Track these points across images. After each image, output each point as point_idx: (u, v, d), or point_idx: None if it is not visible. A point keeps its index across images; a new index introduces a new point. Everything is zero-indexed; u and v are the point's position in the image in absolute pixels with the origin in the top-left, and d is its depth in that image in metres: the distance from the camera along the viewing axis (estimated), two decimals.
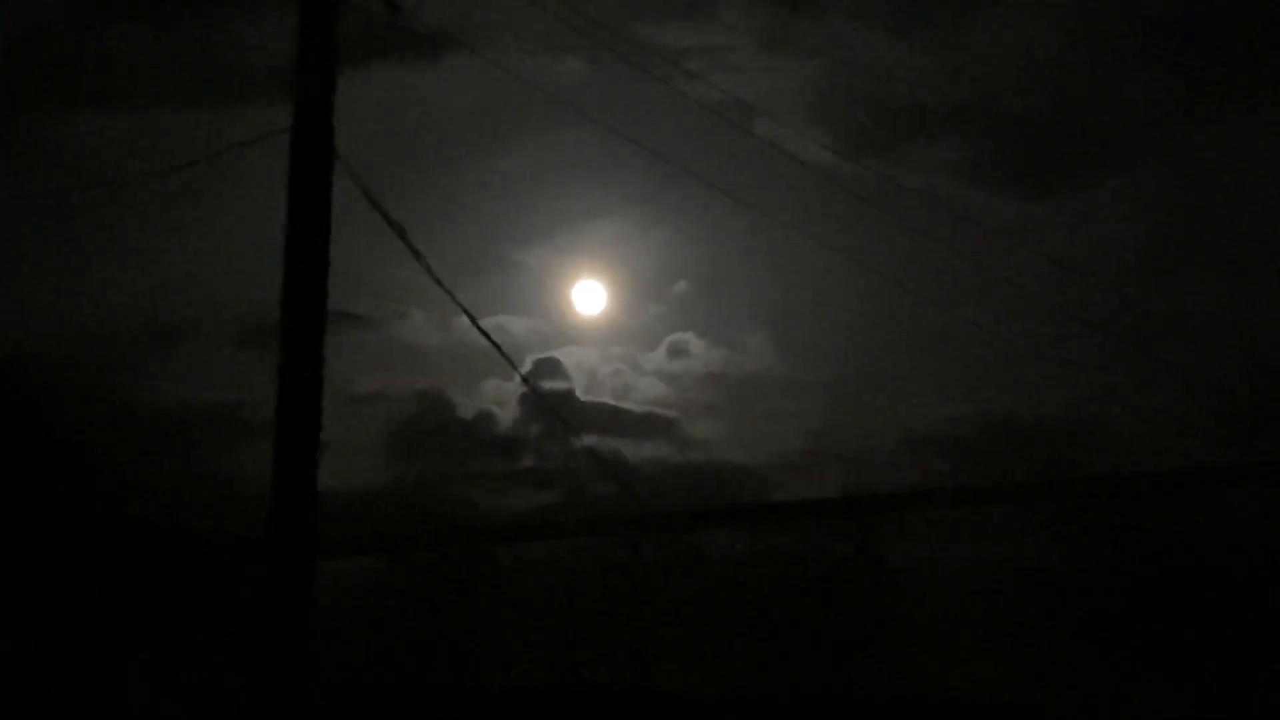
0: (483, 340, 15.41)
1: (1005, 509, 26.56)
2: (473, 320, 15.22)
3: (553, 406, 26.20)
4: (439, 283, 14.70)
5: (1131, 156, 37.91)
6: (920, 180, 36.16)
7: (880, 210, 23.81)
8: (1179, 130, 36.92)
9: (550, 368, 35.68)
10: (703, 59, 36.14)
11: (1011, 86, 38.07)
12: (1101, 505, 25.64)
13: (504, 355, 15.85)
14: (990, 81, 38.44)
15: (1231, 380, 26.52)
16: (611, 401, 36.89)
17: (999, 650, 24.13)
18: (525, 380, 21.59)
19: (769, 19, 40.45)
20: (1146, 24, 35.97)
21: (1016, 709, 20.24)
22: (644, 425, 36.27)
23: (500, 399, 35.78)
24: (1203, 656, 22.72)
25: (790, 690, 23.87)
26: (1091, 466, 26.85)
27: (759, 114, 28.72)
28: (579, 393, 36.05)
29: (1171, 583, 23.62)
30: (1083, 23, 37.08)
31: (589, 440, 26.19)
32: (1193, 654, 22.84)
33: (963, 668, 23.77)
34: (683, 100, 22.06)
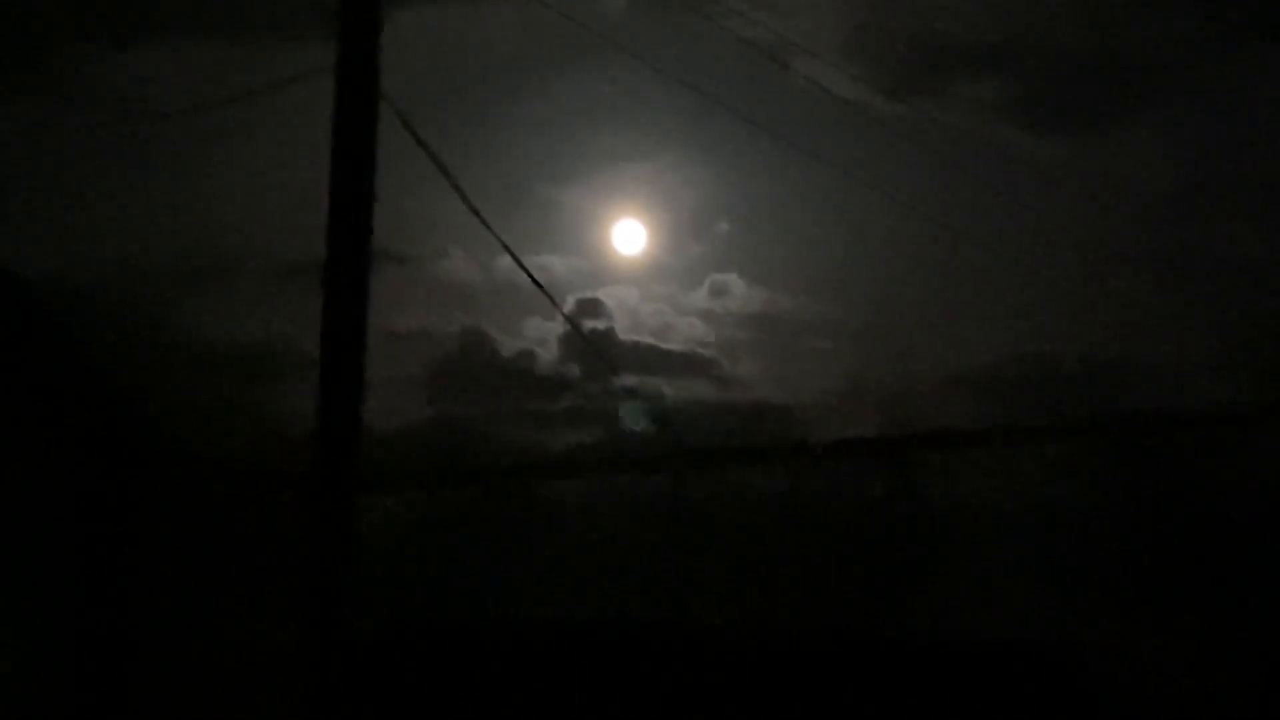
0: (524, 279, 15.44)
1: (1044, 448, 26.48)
2: (516, 259, 15.23)
3: (594, 345, 26.18)
4: (483, 221, 14.70)
5: (1170, 93, 37.58)
6: (959, 118, 35.93)
7: (919, 148, 23.69)
8: (1219, 66, 36.53)
9: (591, 307, 35.64)
10: None
11: (1050, 23, 37.65)
12: (1140, 444, 25.52)
13: (546, 294, 15.87)
14: (1029, 18, 38.04)
15: (1271, 319, 26.33)
16: (652, 341, 36.87)
17: (1038, 591, 24.10)
18: (567, 319, 21.51)
19: None
20: None
21: (1056, 651, 20.19)
22: (684, 364, 36.25)
23: (541, 338, 35.79)
24: (1241, 598, 22.64)
25: (829, 628, 23.87)
26: (1129, 406, 26.72)
27: (800, 51, 28.44)
28: (620, 332, 36.02)
29: (1210, 523, 23.52)
30: None
31: (629, 380, 26.14)
32: (1231, 596, 22.76)
33: (1001, 608, 23.75)
34: (724, 37, 21.92)
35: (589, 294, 36.09)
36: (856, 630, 23.72)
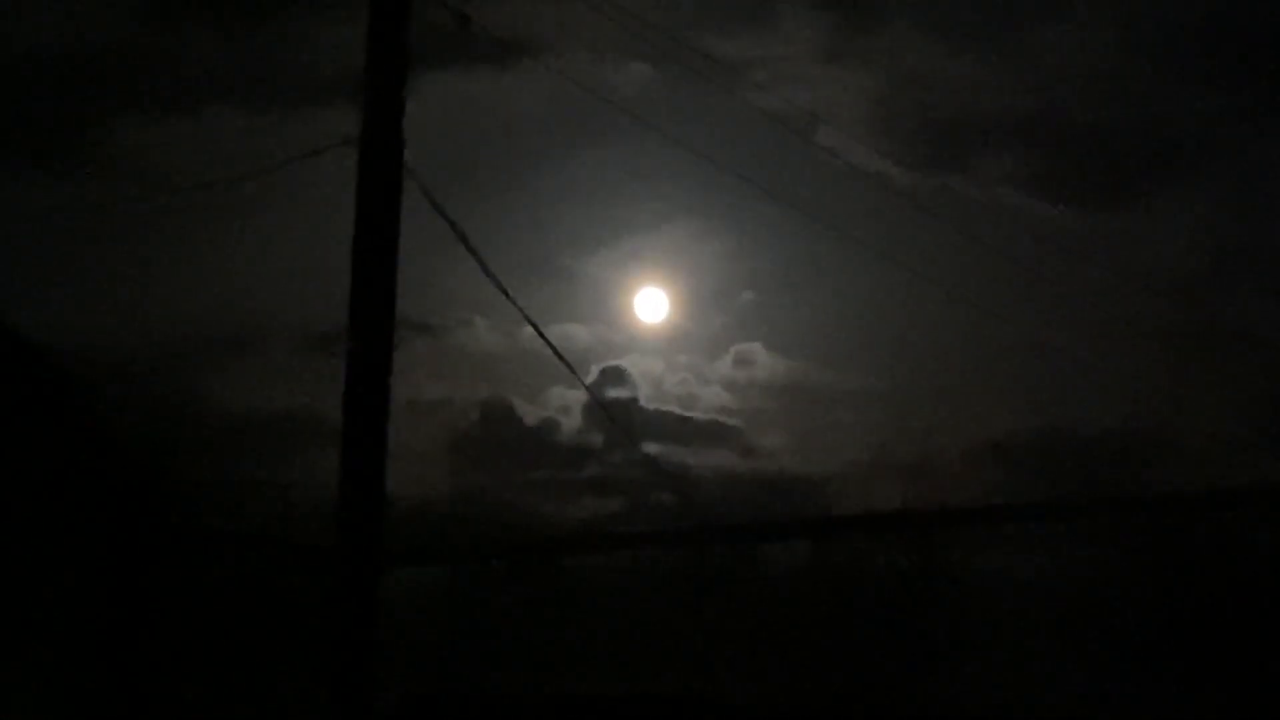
0: (547, 348, 15.22)
1: (1068, 523, 26.19)
2: (537, 330, 15.01)
3: (616, 416, 25.98)
4: (503, 290, 14.50)
5: (1195, 168, 37.43)
6: (982, 192, 35.89)
7: (942, 221, 23.52)
8: (1243, 142, 36.42)
9: (615, 376, 35.54)
10: (765, 69, 35.92)
11: (1074, 98, 37.67)
12: (1166, 521, 25.22)
13: (567, 365, 15.62)
14: (1053, 93, 38.06)
15: None
16: (676, 410, 36.70)
17: (1062, 664, 23.77)
18: (589, 391, 21.29)
19: (830, 30, 40.25)
20: (1209, 36, 35.51)
21: None
22: (708, 434, 36.09)
23: (564, 406, 35.62)
24: (1269, 676, 22.28)
25: (853, 701, 23.57)
26: (1153, 481, 26.45)
27: (821, 124, 28.40)
28: (643, 401, 35.89)
29: (1237, 600, 23.20)
30: (1145, 35, 36.68)
31: (653, 449, 25.91)
32: (1260, 673, 22.41)
33: (1026, 682, 23.41)
34: (746, 110, 21.82)
35: (613, 362, 36.02)
36: (880, 704, 23.40)
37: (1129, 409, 28.34)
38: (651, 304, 35.06)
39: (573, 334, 34.30)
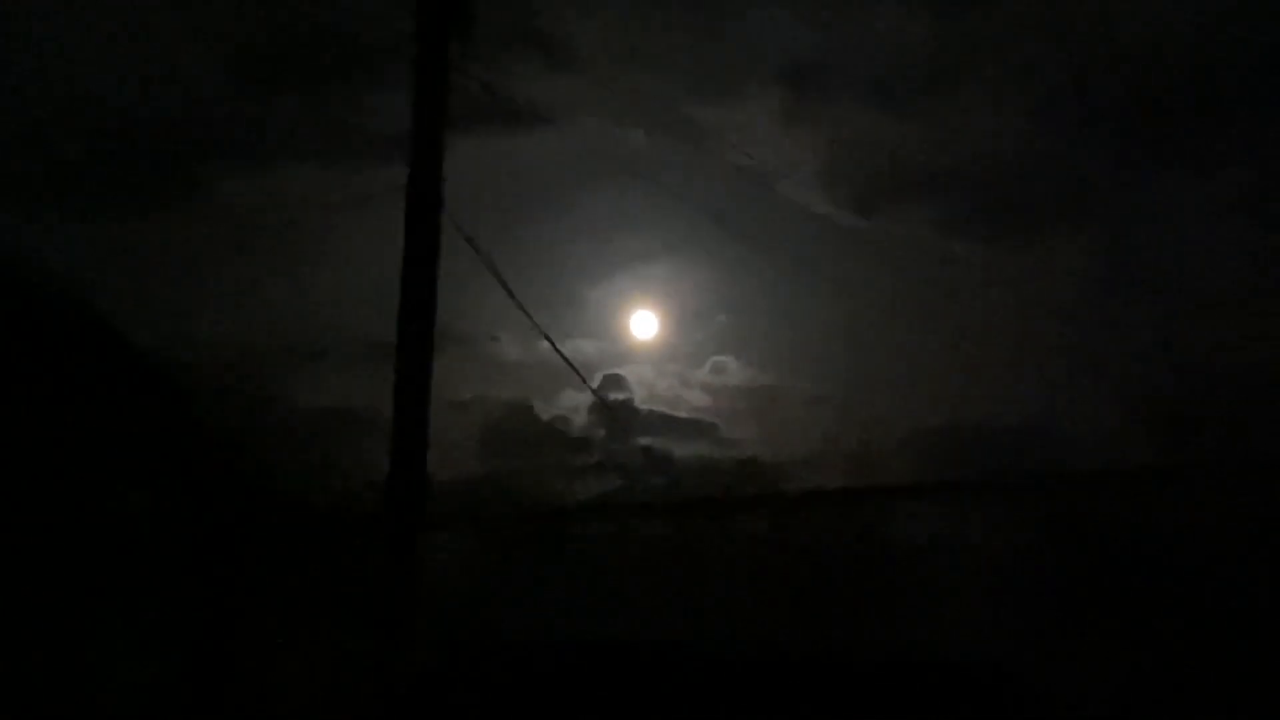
0: (561, 358, 15.23)
1: (980, 499, 26.15)
2: (551, 343, 15.07)
3: (616, 413, 25.90)
4: (525, 312, 14.57)
5: (1081, 211, 37.41)
6: (909, 232, 35.88)
7: (879, 257, 23.51)
8: (1121, 189, 36.39)
9: (615, 381, 35.44)
10: (737, 132, 35.88)
11: (986, 154, 37.59)
12: (1059, 498, 25.17)
13: (577, 372, 15.72)
14: (969, 149, 38.00)
15: (1164, 394, 26.04)
16: (664, 410, 36.60)
17: (981, 617, 23.69)
18: (594, 392, 21.21)
19: (788, 100, 40.16)
20: (1095, 95, 35.54)
21: (999, 668, 19.77)
22: (690, 429, 35.95)
23: (574, 406, 35.45)
24: (1151, 625, 22.22)
25: (806, 648, 23.45)
26: (1047, 465, 26.40)
27: (781, 177, 28.35)
28: (637, 402, 35.79)
29: (1120, 563, 23.14)
30: (1045, 98, 36.77)
31: (645, 440, 25.88)
32: (1142, 623, 22.35)
33: (951, 631, 23.33)
34: (722, 165, 21.79)
35: (613, 370, 35.90)
36: (827, 648, 23.31)
37: (1024, 407, 28.35)
38: (645, 323, 34.90)
39: (581, 347, 34.18)
